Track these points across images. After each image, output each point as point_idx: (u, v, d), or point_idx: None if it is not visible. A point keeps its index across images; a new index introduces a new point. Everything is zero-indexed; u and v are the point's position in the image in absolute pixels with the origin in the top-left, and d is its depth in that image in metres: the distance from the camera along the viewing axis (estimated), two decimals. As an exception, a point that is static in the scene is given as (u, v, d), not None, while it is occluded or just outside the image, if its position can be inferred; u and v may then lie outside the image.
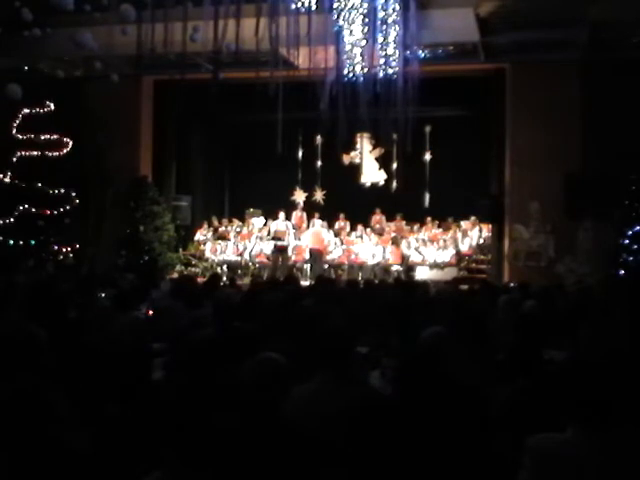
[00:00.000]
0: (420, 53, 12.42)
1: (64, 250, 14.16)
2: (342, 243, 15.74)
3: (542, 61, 13.24)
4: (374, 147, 16.89)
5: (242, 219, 17.21)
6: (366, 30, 11.29)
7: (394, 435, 2.79)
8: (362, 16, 11.25)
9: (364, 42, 11.45)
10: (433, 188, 16.47)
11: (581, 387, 2.31)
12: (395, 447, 2.75)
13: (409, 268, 15.09)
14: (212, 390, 2.96)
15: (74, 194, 14.33)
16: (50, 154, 14.06)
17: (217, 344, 3.80)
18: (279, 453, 2.42)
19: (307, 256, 15.30)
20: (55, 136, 14.16)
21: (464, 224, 16.04)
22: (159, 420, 2.69)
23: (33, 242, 13.77)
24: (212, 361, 3.58)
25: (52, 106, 14.12)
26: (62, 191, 14.18)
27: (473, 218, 15.78)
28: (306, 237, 15.42)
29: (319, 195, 17.47)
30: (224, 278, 12.93)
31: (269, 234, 15.55)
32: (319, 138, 16.84)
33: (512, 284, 10.49)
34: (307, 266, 15.45)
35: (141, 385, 3.35)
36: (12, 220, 13.81)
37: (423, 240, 15.54)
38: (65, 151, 14.21)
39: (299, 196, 17.40)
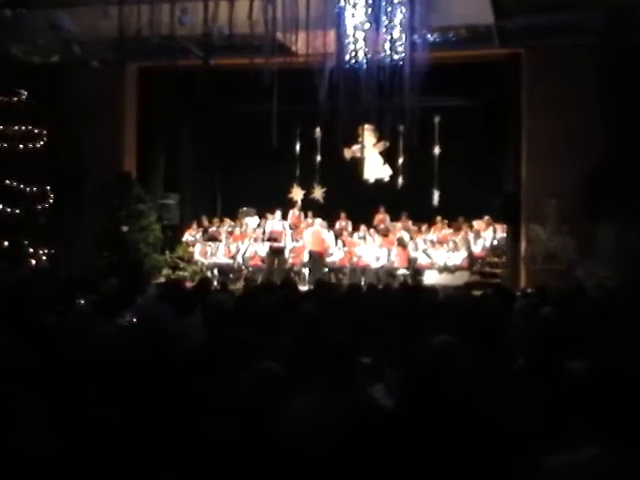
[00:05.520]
0: (429, 37, 12.41)
1: (39, 252, 14.14)
2: (343, 245, 15.74)
3: (560, 46, 13.23)
4: (378, 140, 16.88)
5: (234, 219, 17.22)
6: (370, 12, 11.29)
7: (397, 452, 2.79)
8: (365, -3, 11.26)
9: (367, 25, 11.45)
10: (442, 185, 16.47)
11: (607, 399, 2.29)
12: (399, 465, 2.74)
13: (416, 272, 15.09)
14: (205, 402, 2.96)
15: (50, 191, 14.31)
16: (23, 147, 14.03)
17: (208, 353, 3.81)
18: (276, 468, 2.42)
19: (306, 258, 15.30)
20: (29, 128, 14.14)
21: (476, 224, 16.04)
22: (151, 433, 2.69)
23: (5, 244, 13.75)
24: (203, 371, 3.59)
25: (26, 95, 14.09)
26: (37, 188, 14.15)
27: (486, 217, 15.78)
28: (305, 237, 15.42)
29: (318, 193, 17.47)
30: (215, 283, 12.94)
31: (264, 235, 15.55)
32: (318, 131, 16.84)
33: (529, 289, 10.49)
34: (305, 269, 15.44)
35: (128, 395, 3.35)
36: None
37: (432, 241, 15.55)
38: (40, 144, 14.19)
39: (296, 194, 17.40)
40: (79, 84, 14.36)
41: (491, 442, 2.83)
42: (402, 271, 15.06)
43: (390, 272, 15.02)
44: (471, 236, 15.65)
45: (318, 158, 17.31)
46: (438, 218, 16.40)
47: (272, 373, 3.09)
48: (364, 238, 15.73)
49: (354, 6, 11.31)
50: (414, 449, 2.77)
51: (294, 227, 16.03)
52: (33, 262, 14.00)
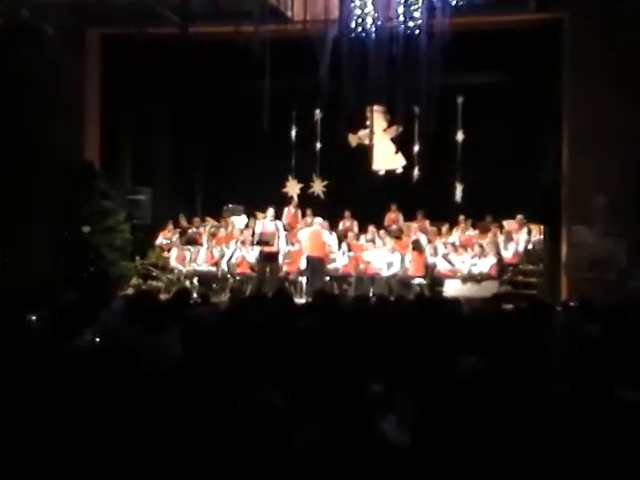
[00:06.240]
0: (450, 0, 12.43)
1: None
2: (348, 249, 15.74)
3: (611, 10, 13.22)
4: (389, 124, 16.92)
5: (218, 218, 17.22)
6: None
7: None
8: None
9: (377, -14, 11.49)
10: (466, 177, 16.49)
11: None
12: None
13: (435, 281, 15.10)
14: (188, 438, 2.96)
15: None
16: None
17: (186, 379, 3.80)
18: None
19: (303, 265, 15.30)
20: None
21: (507, 224, 16.05)
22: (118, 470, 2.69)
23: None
24: (180, 402, 3.58)
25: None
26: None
27: (519, 217, 15.78)
28: (302, 240, 15.42)
29: (318, 187, 17.49)
30: (195, 294, 12.94)
31: (253, 237, 15.55)
32: (318, 112, 16.88)
33: (571, 302, 10.49)
34: (303, 278, 15.44)
35: (88, 430, 3.36)
36: None
37: (453, 245, 15.55)
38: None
39: (292, 188, 17.42)
40: (28, 54, 14.26)
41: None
42: (418, 280, 15.07)
43: (404, 281, 15.02)
44: (501, 239, 15.66)
45: (318, 145, 17.34)
46: (461, 217, 16.40)
47: (272, 406, 3.08)
48: (373, 241, 15.73)
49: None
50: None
51: (289, 228, 16.04)
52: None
